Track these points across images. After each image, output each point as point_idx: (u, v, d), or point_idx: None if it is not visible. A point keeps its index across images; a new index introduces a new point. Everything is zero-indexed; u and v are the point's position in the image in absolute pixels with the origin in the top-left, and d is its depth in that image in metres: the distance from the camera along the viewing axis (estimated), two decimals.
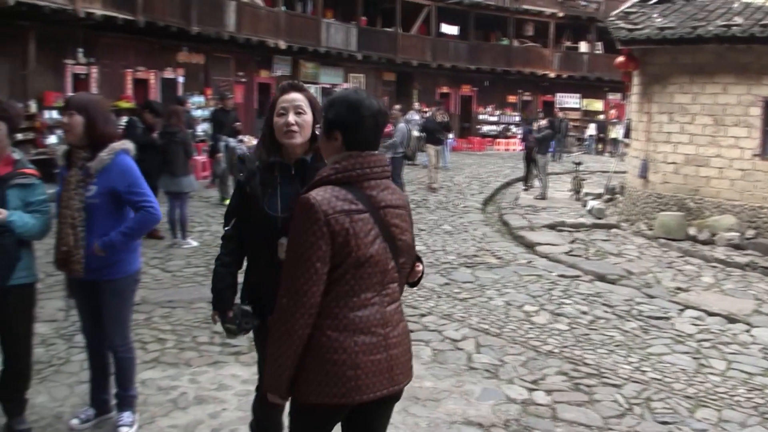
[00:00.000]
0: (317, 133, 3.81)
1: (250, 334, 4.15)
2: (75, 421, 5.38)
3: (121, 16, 20.56)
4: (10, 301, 4.94)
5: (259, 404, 4.37)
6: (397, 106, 19.94)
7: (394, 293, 3.40)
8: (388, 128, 21.12)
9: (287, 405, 3.49)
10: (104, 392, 5.49)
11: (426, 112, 33.24)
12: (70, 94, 19.46)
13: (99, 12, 19.65)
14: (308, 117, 3.97)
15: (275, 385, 3.28)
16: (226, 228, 4.17)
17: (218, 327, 4.23)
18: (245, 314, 3.99)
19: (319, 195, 3.17)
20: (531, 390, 6.21)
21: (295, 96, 4.01)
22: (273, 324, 3.25)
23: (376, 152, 3.36)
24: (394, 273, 3.38)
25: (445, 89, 39.16)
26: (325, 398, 3.22)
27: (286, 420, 3.87)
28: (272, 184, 3.94)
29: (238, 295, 4.15)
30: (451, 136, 28.15)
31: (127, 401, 5.37)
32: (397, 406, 5.54)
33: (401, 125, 17.26)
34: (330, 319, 3.21)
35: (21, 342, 5.16)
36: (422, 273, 3.76)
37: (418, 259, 3.70)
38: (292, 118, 3.91)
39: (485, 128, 39.00)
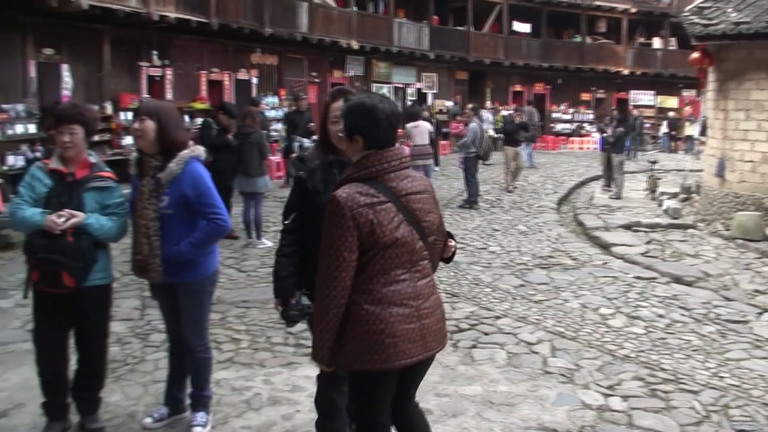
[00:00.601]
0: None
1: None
2: (148, 420, 5.45)
3: (194, 18, 20.79)
4: (86, 302, 5.03)
5: (322, 395, 4.57)
6: (470, 106, 19.80)
7: (424, 269, 3.83)
8: (460, 128, 21.07)
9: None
10: (180, 391, 5.56)
11: (500, 110, 33.11)
12: (145, 95, 19.82)
13: (172, 15, 19.91)
14: None
15: (320, 355, 3.75)
16: (286, 222, 4.45)
17: (296, 327, 4.39)
18: (305, 302, 4.29)
19: (345, 192, 3.63)
20: (607, 396, 6.10)
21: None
22: (314, 303, 3.79)
23: (393, 148, 3.78)
24: (423, 252, 3.81)
25: (518, 87, 38.81)
26: (368, 365, 3.67)
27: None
28: (332, 180, 4.17)
29: None
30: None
31: (201, 401, 5.41)
32: (471, 410, 5.60)
33: (473, 125, 17.13)
34: (366, 294, 3.66)
35: (96, 342, 5.26)
36: (455, 248, 4.24)
37: (450, 236, 4.16)
38: None
39: (559, 126, 38.50)
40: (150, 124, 4.91)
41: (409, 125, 17.70)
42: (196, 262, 5.05)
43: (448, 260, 4.24)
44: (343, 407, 4.62)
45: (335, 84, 28.41)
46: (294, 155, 4.05)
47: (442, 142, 29.02)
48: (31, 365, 5.34)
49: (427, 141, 16.96)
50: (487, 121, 28.73)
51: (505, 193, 18.85)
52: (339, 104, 4.24)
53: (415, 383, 4.10)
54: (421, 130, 16.93)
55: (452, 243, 4.18)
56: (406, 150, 3.95)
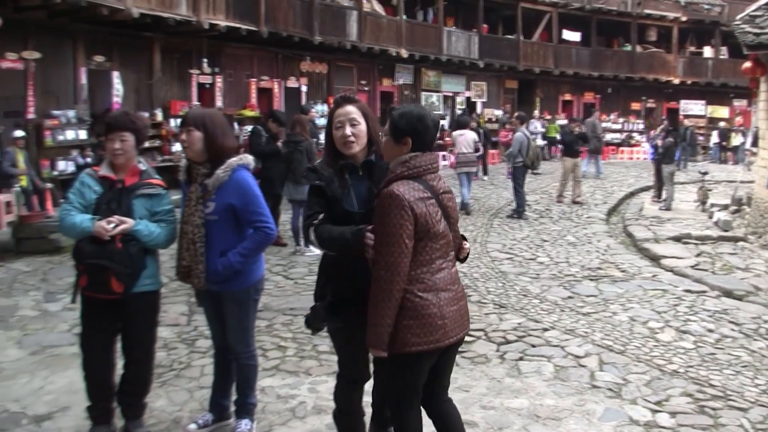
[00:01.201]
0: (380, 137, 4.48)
1: None
2: (193, 426, 5.45)
3: (244, 26, 21.02)
4: (134, 308, 5.08)
5: (341, 392, 4.73)
6: (516, 114, 19.69)
7: (453, 258, 4.36)
8: (509, 137, 20.92)
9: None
10: (225, 398, 5.55)
11: (549, 119, 32.89)
12: (195, 102, 20.00)
13: (222, 23, 20.17)
14: (362, 127, 4.48)
15: (378, 341, 4.05)
16: (315, 221, 4.42)
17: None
18: (334, 309, 4.41)
19: (401, 187, 4.02)
20: (654, 411, 5.98)
21: (349, 109, 4.50)
22: (373, 293, 4.05)
23: (434, 152, 4.30)
24: (451, 243, 4.30)
25: (567, 96, 38.62)
26: (424, 345, 4.08)
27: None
28: (346, 185, 4.44)
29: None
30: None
31: (246, 408, 5.42)
32: (517, 424, 5.58)
33: (518, 134, 16.97)
34: (419, 283, 4.09)
35: (143, 348, 5.29)
36: (468, 250, 4.67)
37: (464, 238, 4.59)
38: (348, 130, 4.42)
39: (608, 136, 38.06)
40: (197, 134, 4.94)
41: (455, 133, 17.76)
42: (241, 271, 5.04)
43: (463, 260, 4.61)
44: (359, 404, 4.82)
45: (384, 92, 28.54)
46: (309, 165, 4.15)
47: (492, 151, 28.91)
48: (77, 369, 5.37)
49: (472, 149, 17.00)
50: (537, 130, 28.58)
51: (555, 203, 18.63)
52: (344, 110, 4.49)
53: (447, 369, 4.49)
54: (467, 138, 17.06)
55: (467, 245, 4.61)
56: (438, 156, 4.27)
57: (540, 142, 28.70)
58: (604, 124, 37.13)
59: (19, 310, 8.95)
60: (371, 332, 4.06)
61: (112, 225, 4.81)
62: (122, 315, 5.11)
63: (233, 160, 5.00)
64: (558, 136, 29.13)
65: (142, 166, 5.17)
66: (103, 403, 5.26)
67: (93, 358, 5.17)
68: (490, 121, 32.28)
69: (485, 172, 24.78)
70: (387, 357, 4.11)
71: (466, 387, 6.36)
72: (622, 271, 10.98)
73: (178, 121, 19.33)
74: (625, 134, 38.12)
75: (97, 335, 5.14)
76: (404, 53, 28.04)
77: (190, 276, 4.98)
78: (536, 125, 29.38)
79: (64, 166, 16.89)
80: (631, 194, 21.51)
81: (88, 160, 16.69)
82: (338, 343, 4.70)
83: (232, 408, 5.52)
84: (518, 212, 16.53)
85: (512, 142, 17.08)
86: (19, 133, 15.17)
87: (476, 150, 17.46)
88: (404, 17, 28.62)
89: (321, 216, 4.42)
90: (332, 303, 4.42)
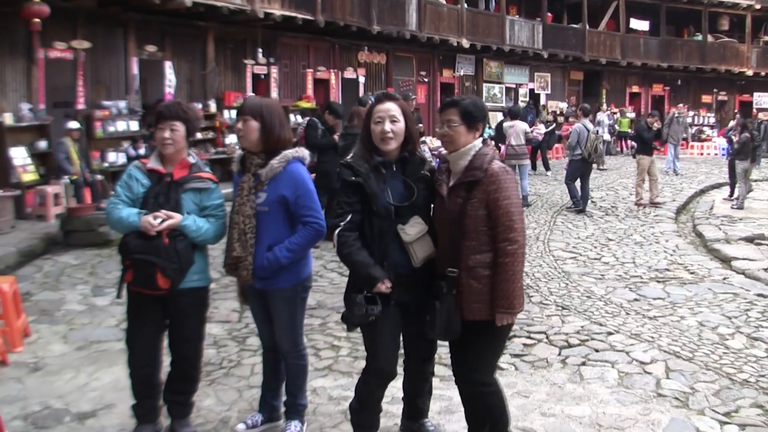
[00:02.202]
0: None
1: None
2: (241, 426, 5.40)
3: (300, 15, 21.00)
4: (182, 304, 5.04)
5: (367, 387, 4.82)
6: (580, 106, 19.31)
7: None
8: (568, 130, 20.55)
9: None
10: (275, 398, 5.49)
11: (616, 112, 32.37)
12: (250, 93, 20.01)
13: (278, 12, 20.17)
14: (401, 125, 4.65)
15: (518, 303, 4.49)
16: (342, 224, 4.60)
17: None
18: (371, 301, 4.53)
19: (503, 164, 4.61)
20: (723, 423, 5.69)
21: (390, 106, 4.66)
22: (513, 259, 4.41)
23: None
24: None
25: (635, 89, 38.01)
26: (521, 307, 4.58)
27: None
28: (383, 180, 4.63)
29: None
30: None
31: (296, 409, 5.35)
32: None
33: (577, 125, 16.66)
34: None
35: (191, 345, 5.24)
36: None
37: None
38: (387, 126, 4.60)
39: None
40: (253, 124, 4.89)
41: (505, 124, 17.48)
42: (289, 267, 4.95)
43: None
44: (381, 400, 4.93)
45: (445, 84, 28.38)
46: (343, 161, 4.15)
47: (557, 146, 28.58)
48: (123, 365, 5.33)
49: (522, 141, 17.02)
50: (603, 124, 28.05)
51: (634, 206, 17.67)
52: (384, 106, 4.66)
53: None
54: (517, 130, 16.98)
55: None
56: None
57: (607, 136, 28.16)
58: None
59: (66, 304, 8.97)
60: (515, 296, 4.44)
61: (158, 220, 4.76)
62: (170, 311, 5.08)
63: (289, 152, 4.95)
64: (630, 131, 28.59)
65: (192, 159, 5.12)
66: (149, 401, 5.24)
67: (139, 354, 5.14)
68: (554, 113, 31.94)
69: (547, 167, 24.40)
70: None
71: (526, 392, 6.19)
72: (691, 273, 10.64)
73: (232, 112, 19.51)
74: (695, 128, 36.95)
75: (143, 331, 5.11)
76: (465, 43, 27.81)
77: (238, 268, 4.91)
78: (603, 118, 28.84)
79: (115, 157, 16.96)
80: (702, 192, 21.03)
81: (141, 151, 16.74)
82: (371, 337, 4.76)
83: (283, 409, 5.43)
84: (575, 207, 16.32)
85: (570, 134, 16.82)
86: (73, 124, 15.21)
87: (528, 142, 17.36)
88: (465, 6, 28.40)
89: (349, 217, 4.59)
90: (370, 295, 4.54)
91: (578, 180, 16.45)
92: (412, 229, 4.59)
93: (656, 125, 18.91)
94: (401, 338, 4.89)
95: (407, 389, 5.15)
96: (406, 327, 4.81)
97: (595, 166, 16.87)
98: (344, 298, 4.73)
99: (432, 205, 4.81)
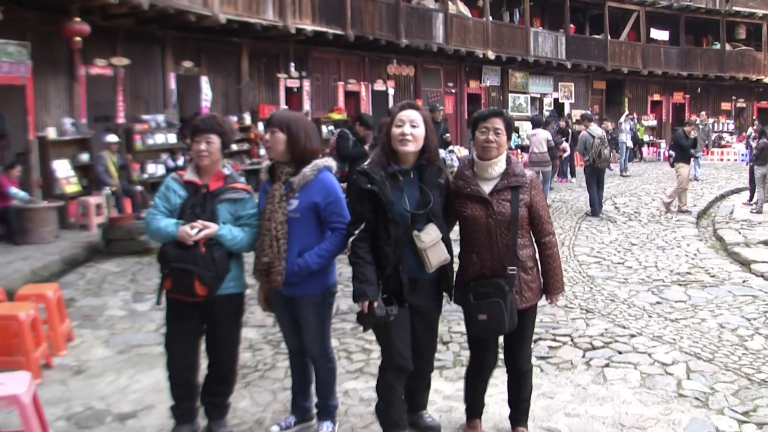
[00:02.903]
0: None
1: None
2: (275, 428, 5.49)
3: (330, 30, 21.20)
4: (218, 310, 5.14)
5: (386, 384, 4.98)
6: (581, 114, 19.42)
7: None
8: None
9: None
10: (306, 400, 5.59)
11: (633, 118, 32.26)
12: (283, 106, 20.26)
13: (309, 27, 20.39)
14: (421, 131, 4.81)
15: (563, 282, 5.13)
16: (356, 232, 4.74)
17: None
18: (388, 302, 4.67)
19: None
20: (741, 422, 5.78)
21: (412, 112, 4.83)
22: (557, 249, 5.09)
23: None
24: None
25: (656, 97, 37.94)
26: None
27: None
28: (399, 188, 4.76)
29: None
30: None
31: (327, 411, 5.43)
32: None
33: (582, 133, 17.22)
34: None
35: (227, 349, 5.35)
36: None
37: None
38: (407, 129, 4.76)
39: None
40: (280, 136, 4.96)
41: (529, 132, 17.76)
42: (317, 274, 5.05)
43: None
44: (402, 395, 5.06)
45: (471, 94, 28.48)
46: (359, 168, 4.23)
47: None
48: (163, 368, 5.44)
49: (544, 149, 17.20)
50: (626, 130, 28.03)
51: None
52: (407, 113, 4.83)
53: None
54: (539, 138, 17.25)
55: None
56: None
57: (629, 143, 28.12)
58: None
59: (108, 309, 9.18)
60: (561, 282, 5.09)
61: (195, 230, 4.87)
62: (207, 317, 5.18)
63: (320, 161, 5.04)
64: (647, 138, 28.50)
65: (227, 171, 5.22)
66: (187, 402, 5.36)
67: (177, 358, 5.25)
68: (577, 122, 31.96)
69: (572, 174, 24.51)
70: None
71: (551, 393, 6.28)
72: (712, 276, 10.70)
73: None
74: (715, 135, 36.80)
75: (181, 336, 5.22)
76: (491, 55, 27.92)
77: (270, 274, 4.97)
78: (626, 126, 28.79)
79: (154, 169, 17.24)
80: (722, 197, 20.98)
81: (179, 162, 17.01)
82: (386, 335, 4.89)
83: (314, 410, 5.53)
84: (591, 211, 16.68)
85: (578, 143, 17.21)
86: (112, 138, 15.51)
87: (549, 149, 17.51)
88: (490, 18, 28.45)
89: (363, 226, 4.73)
90: (387, 296, 4.71)
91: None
92: (427, 236, 4.75)
93: (693, 134, 18.79)
94: None
95: (407, 385, 5.23)
96: (415, 329, 5.00)
97: (616, 171, 16.92)
98: (355, 294, 4.76)
99: (459, 212, 4.96)
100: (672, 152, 18.46)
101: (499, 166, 4.89)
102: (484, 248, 4.86)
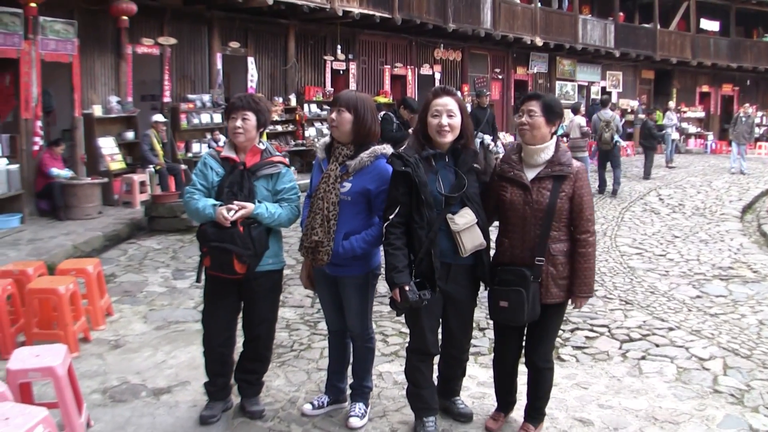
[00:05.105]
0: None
1: None
2: (308, 407, 5.54)
3: (378, 13, 21.17)
4: (256, 287, 5.20)
5: (414, 367, 5.04)
6: (644, 105, 19.41)
7: None
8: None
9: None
10: (341, 381, 5.63)
11: (681, 110, 31.85)
12: (329, 89, 20.31)
13: (356, 10, 20.38)
14: (458, 119, 4.79)
15: (593, 289, 4.93)
16: (391, 217, 4.73)
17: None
18: (421, 287, 4.67)
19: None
20: None
21: (447, 100, 4.80)
22: (593, 249, 4.90)
23: None
24: None
25: (705, 88, 37.41)
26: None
27: None
28: (433, 171, 4.76)
29: None
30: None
31: (361, 392, 5.47)
32: (633, 426, 5.50)
33: (594, 117, 18.59)
34: None
35: (264, 326, 5.40)
36: None
37: None
38: (445, 120, 4.74)
39: None
40: (347, 116, 4.97)
41: (567, 120, 17.93)
42: (361, 256, 5.06)
43: None
44: (431, 377, 5.13)
45: (518, 81, 28.35)
46: (394, 152, 4.24)
47: (627, 143, 28.35)
48: (199, 345, 5.55)
49: (578, 134, 17.66)
50: (670, 120, 27.66)
51: (686, 199, 17.82)
52: (442, 100, 4.80)
53: None
54: (573, 124, 17.79)
55: None
56: None
57: (675, 135, 27.69)
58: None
59: (148, 285, 9.30)
60: (589, 286, 4.88)
61: (231, 212, 4.91)
62: (245, 293, 5.25)
63: (378, 148, 5.03)
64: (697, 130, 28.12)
65: (262, 146, 5.27)
66: (221, 379, 5.43)
67: (214, 333, 5.32)
68: (625, 111, 31.66)
69: None
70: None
71: (585, 384, 6.26)
72: (754, 272, 10.54)
73: (312, 106, 19.89)
74: (764, 129, 36.29)
75: (218, 312, 5.29)
76: (539, 41, 27.74)
77: (317, 252, 4.97)
78: (672, 117, 28.35)
79: (199, 148, 17.40)
80: None
81: (221, 142, 17.11)
82: (415, 319, 4.90)
83: (348, 391, 5.58)
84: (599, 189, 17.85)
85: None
86: (160, 117, 15.74)
87: (584, 135, 17.83)
88: (539, 5, 28.27)
89: (397, 209, 4.71)
90: (420, 281, 4.71)
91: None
92: (461, 219, 4.71)
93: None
94: (441, 328, 5.12)
95: (442, 371, 5.38)
96: (448, 317, 5.03)
97: (661, 162, 16.81)
98: (387, 281, 4.79)
99: (499, 195, 4.92)
100: None
101: (545, 153, 4.82)
102: (516, 235, 4.83)
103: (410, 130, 11.58)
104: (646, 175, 22.01)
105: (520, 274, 4.74)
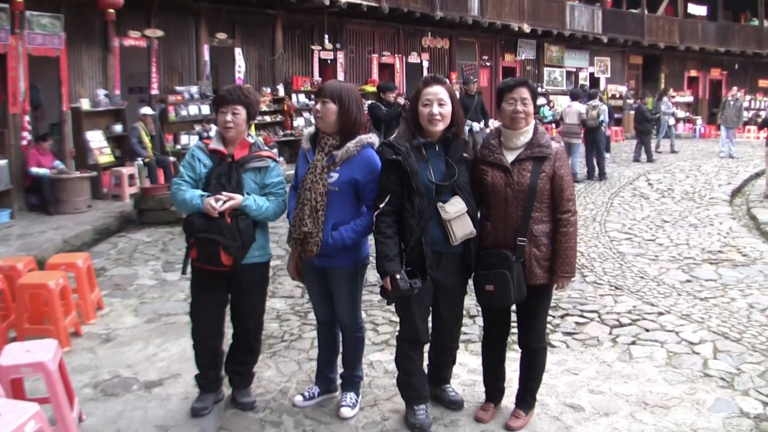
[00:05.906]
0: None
1: None
2: (299, 398, 5.55)
3: (365, 3, 21.19)
4: (244, 279, 5.20)
5: (404, 355, 5.05)
6: (632, 90, 19.54)
7: None
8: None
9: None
10: (331, 371, 5.64)
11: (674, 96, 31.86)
12: (317, 78, 20.28)
13: (343, 0, 20.21)
14: (448, 108, 4.81)
15: (575, 269, 4.91)
16: (382, 206, 4.74)
17: None
18: (412, 275, 4.68)
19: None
20: (766, 404, 5.70)
21: (438, 89, 4.81)
22: (574, 228, 4.86)
23: None
24: None
25: (693, 73, 37.48)
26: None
27: None
28: (424, 159, 4.77)
29: None
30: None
31: (352, 381, 5.49)
32: (624, 410, 5.48)
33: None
34: None
35: (252, 318, 5.41)
36: None
37: None
38: (436, 109, 4.75)
39: None
40: (332, 107, 4.94)
41: (565, 105, 18.17)
42: (350, 247, 5.06)
43: None
44: (422, 365, 5.16)
45: (507, 68, 28.35)
46: (384, 141, 4.29)
47: (615, 129, 28.40)
48: (190, 338, 5.49)
49: (576, 121, 17.94)
50: (668, 107, 27.56)
51: (675, 184, 17.89)
52: (433, 89, 4.80)
53: None
54: (573, 110, 18.07)
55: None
56: None
57: (672, 121, 27.55)
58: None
59: (138, 278, 9.29)
60: (571, 266, 4.84)
61: (220, 203, 4.90)
62: (232, 286, 5.25)
63: (364, 137, 5.02)
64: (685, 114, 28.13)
65: (251, 139, 5.26)
66: (212, 371, 5.45)
67: (203, 326, 5.33)
68: (613, 97, 31.67)
69: (607, 150, 24.27)
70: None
71: (576, 370, 6.28)
72: (744, 255, 10.56)
73: (300, 96, 19.85)
74: (752, 113, 36.16)
75: (207, 305, 5.29)
76: (526, 28, 27.72)
77: (306, 244, 4.97)
78: (669, 104, 28.21)
79: (187, 140, 17.37)
80: (757, 175, 20.58)
81: (211, 134, 17.09)
82: (406, 306, 4.89)
83: (339, 381, 5.59)
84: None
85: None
86: (147, 110, 15.72)
87: (582, 122, 18.07)
88: None
89: (388, 198, 4.72)
90: (411, 269, 4.71)
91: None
92: (452, 208, 4.71)
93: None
94: (431, 316, 5.13)
95: (433, 359, 5.41)
96: (439, 305, 5.05)
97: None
98: (378, 270, 4.80)
99: (480, 179, 4.93)
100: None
101: (525, 136, 4.85)
102: (499, 218, 4.84)
103: (400, 102, 11.85)
104: (649, 158, 22.54)
105: (503, 257, 4.76)
